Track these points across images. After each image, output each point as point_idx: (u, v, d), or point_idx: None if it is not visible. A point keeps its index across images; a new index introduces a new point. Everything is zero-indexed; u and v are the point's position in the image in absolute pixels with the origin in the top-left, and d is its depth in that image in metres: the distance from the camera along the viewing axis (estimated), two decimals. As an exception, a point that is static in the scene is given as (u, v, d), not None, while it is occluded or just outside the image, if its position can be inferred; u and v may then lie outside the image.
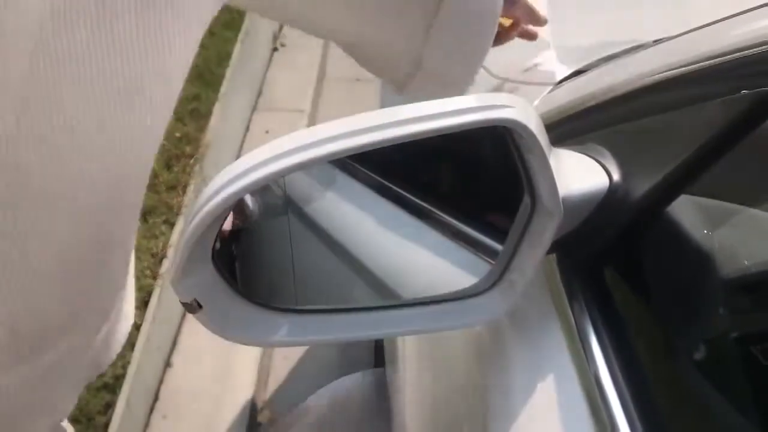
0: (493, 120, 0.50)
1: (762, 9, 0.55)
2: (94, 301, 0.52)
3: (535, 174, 0.57)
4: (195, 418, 1.83)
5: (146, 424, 1.77)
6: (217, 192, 0.48)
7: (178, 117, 2.47)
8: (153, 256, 2.04)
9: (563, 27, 1.12)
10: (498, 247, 0.64)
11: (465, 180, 0.70)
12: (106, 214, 0.45)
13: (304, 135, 0.47)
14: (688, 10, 0.87)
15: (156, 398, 1.82)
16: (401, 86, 0.63)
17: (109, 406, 1.72)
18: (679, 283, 0.64)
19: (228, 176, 0.48)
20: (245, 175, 0.47)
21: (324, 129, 0.48)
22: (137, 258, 2.02)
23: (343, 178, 0.67)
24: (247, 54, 2.78)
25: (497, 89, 1.05)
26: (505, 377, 0.68)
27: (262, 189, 0.56)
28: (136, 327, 1.87)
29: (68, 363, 0.49)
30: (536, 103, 0.88)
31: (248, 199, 0.60)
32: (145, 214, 2.13)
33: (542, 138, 0.54)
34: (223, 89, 2.64)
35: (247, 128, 2.68)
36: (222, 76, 2.68)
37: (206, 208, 0.48)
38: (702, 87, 0.56)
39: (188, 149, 2.37)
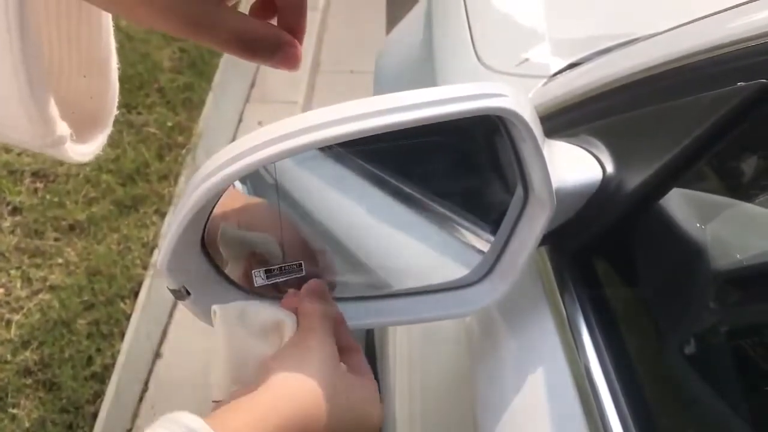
0: (487, 109, 0.50)
1: (759, 1, 0.55)
2: None
3: (529, 164, 0.56)
4: (184, 408, 1.81)
5: (135, 414, 1.76)
6: (206, 178, 0.47)
7: (171, 106, 2.45)
8: (144, 245, 2.03)
9: (558, 20, 1.11)
10: (490, 238, 0.64)
11: (457, 170, 0.70)
12: None
13: (295, 121, 0.47)
14: (684, 3, 0.87)
15: (145, 388, 1.82)
16: None
17: (98, 396, 1.71)
18: (670, 276, 0.64)
19: (218, 162, 0.47)
20: (235, 162, 0.47)
21: (315, 115, 0.47)
22: (128, 248, 2.01)
23: (334, 167, 0.67)
24: (241, 44, 2.75)
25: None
26: (496, 367, 0.68)
27: (252, 176, 0.55)
28: (126, 317, 1.86)
29: None
30: (530, 95, 0.88)
31: (238, 185, 0.60)
32: (136, 204, 2.12)
33: (536, 127, 0.53)
34: (216, 79, 2.63)
35: (240, 119, 2.67)
36: (215, 66, 2.66)
37: (196, 194, 0.47)
38: (698, 79, 0.56)
39: (180, 139, 2.36)
